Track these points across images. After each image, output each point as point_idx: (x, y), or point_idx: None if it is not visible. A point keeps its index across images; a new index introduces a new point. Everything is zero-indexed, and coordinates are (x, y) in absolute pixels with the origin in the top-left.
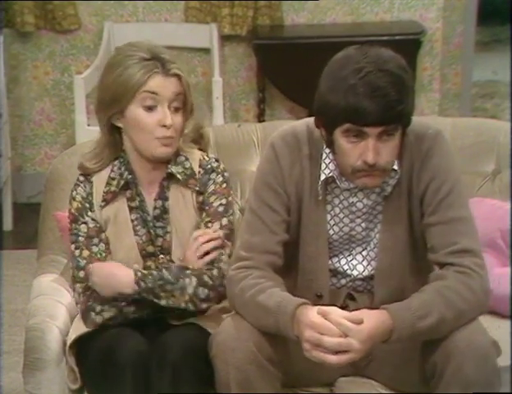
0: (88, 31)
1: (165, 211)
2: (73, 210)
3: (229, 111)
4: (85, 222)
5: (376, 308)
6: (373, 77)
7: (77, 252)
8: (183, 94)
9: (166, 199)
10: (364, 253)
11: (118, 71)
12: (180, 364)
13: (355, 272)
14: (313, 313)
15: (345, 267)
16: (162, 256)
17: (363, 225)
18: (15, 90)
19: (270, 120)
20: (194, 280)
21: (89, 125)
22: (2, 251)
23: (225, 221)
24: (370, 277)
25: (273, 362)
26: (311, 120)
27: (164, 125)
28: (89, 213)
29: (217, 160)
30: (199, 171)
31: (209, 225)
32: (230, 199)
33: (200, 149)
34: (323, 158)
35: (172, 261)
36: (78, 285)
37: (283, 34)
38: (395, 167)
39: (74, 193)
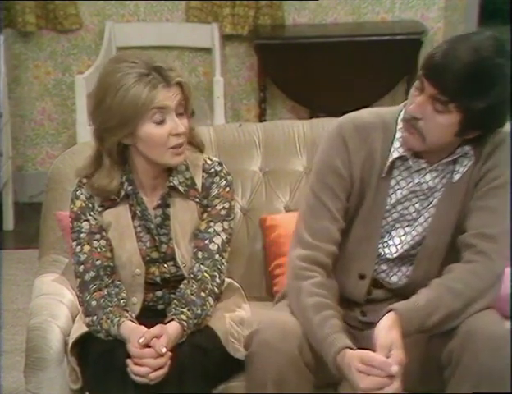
0: (89, 31)
1: (166, 217)
2: (76, 208)
3: (230, 110)
4: (88, 220)
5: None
6: (451, 51)
7: (78, 248)
8: (185, 99)
9: (167, 206)
10: (405, 232)
11: (121, 93)
12: (185, 362)
13: (387, 251)
14: (357, 364)
15: (386, 244)
16: (165, 265)
17: (416, 205)
18: (16, 90)
19: (271, 119)
20: (211, 299)
21: (90, 124)
22: (3, 251)
23: (226, 224)
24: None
25: (310, 367)
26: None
27: (176, 134)
28: (92, 213)
29: (220, 164)
30: (203, 176)
31: (211, 224)
32: (232, 203)
33: (198, 151)
34: (397, 136)
35: (177, 266)
36: (79, 280)
37: (284, 33)
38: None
39: (78, 192)
